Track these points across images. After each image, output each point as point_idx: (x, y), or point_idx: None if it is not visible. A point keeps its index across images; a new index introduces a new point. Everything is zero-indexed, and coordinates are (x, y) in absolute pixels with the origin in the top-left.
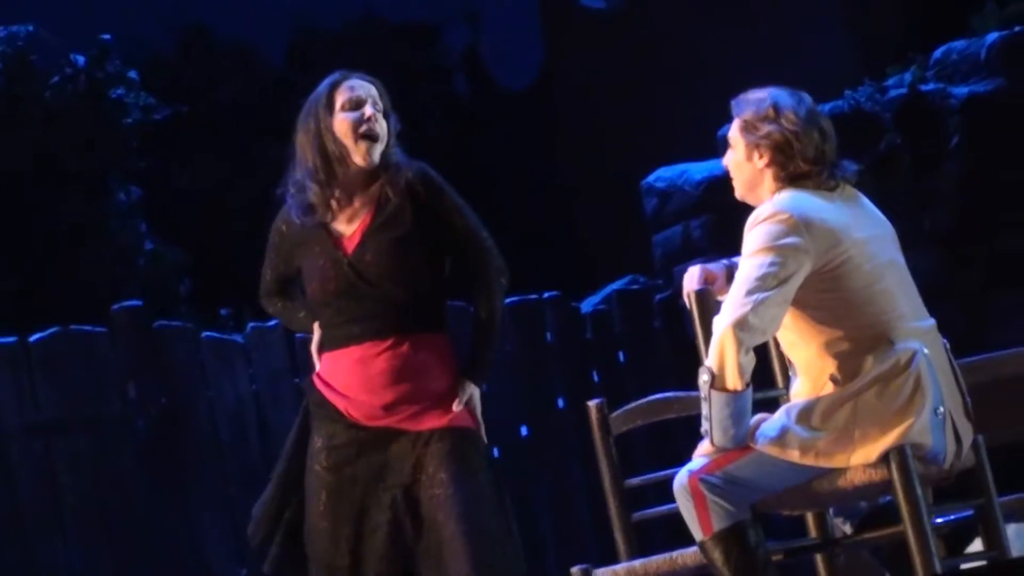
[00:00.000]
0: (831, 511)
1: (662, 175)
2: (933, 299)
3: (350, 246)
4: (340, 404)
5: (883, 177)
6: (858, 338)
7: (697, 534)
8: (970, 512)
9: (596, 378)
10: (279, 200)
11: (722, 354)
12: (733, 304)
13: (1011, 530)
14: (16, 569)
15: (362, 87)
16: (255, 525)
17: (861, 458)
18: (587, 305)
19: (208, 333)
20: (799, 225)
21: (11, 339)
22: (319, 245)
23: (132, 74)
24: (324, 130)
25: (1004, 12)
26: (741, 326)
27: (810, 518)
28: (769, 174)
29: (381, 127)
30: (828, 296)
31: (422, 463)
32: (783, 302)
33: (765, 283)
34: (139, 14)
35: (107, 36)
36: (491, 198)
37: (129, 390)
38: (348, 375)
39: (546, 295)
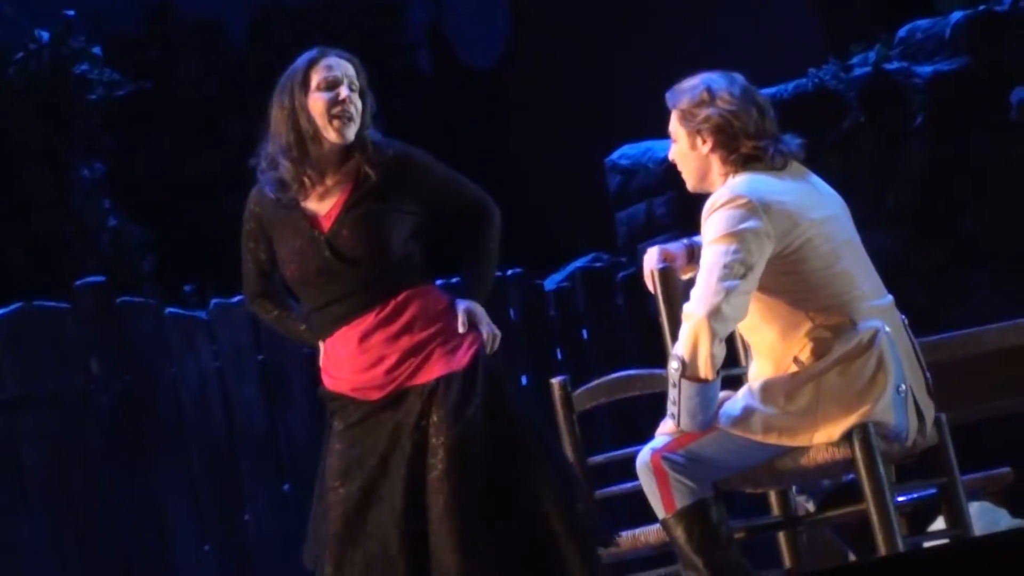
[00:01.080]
0: (794, 489)
1: (626, 152)
2: (896, 277)
3: (326, 224)
4: (348, 389)
5: (847, 155)
6: (819, 319)
7: (659, 511)
8: (933, 490)
9: (559, 355)
10: (251, 171)
11: (695, 344)
12: (705, 294)
13: (973, 508)
14: None
15: (339, 66)
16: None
17: (824, 437)
18: (550, 282)
19: (171, 309)
20: (757, 208)
21: None
22: (294, 226)
23: (96, 50)
24: (299, 108)
25: None
26: (715, 316)
27: (773, 496)
28: (716, 159)
29: (356, 107)
30: (788, 279)
31: (428, 413)
32: (751, 289)
33: (733, 271)
34: None
35: (71, 12)
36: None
37: (92, 366)
38: (349, 359)
39: (509, 272)
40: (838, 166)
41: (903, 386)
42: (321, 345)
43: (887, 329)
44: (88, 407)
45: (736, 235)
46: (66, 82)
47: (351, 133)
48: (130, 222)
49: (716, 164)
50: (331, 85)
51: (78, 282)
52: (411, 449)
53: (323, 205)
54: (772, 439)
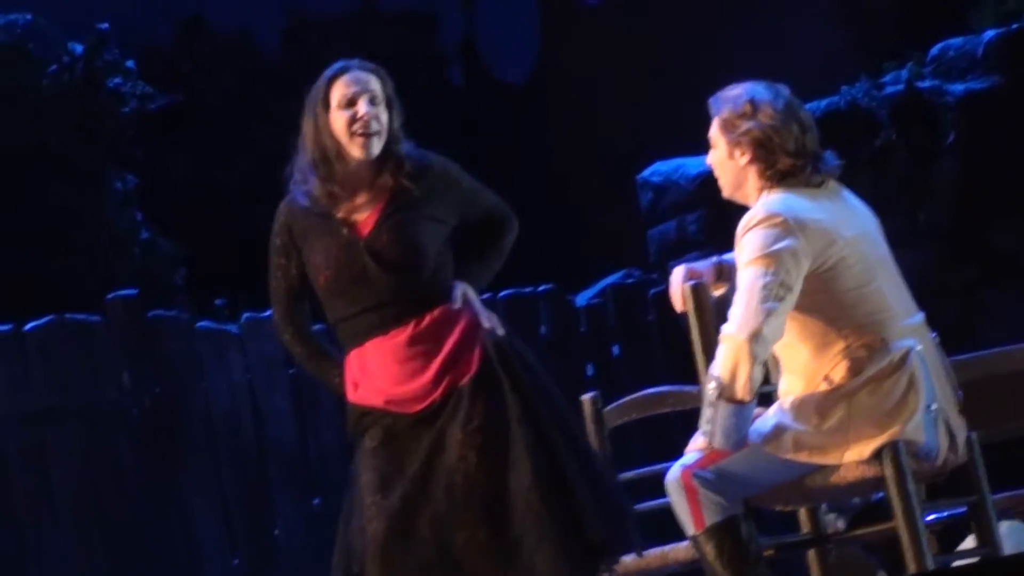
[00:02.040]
0: (824, 507)
1: (657, 169)
2: (928, 295)
3: (365, 229)
4: (381, 401)
5: (879, 173)
6: (852, 338)
7: (689, 528)
8: (963, 509)
9: (590, 372)
10: (284, 181)
11: (735, 366)
12: (745, 316)
13: (1003, 527)
14: (9, 557)
15: (358, 82)
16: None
17: (854, 455)
18: (582, 299)
19: (203, 323)
20: (793, 227)
21: (7, 327)
22: (329, 233)
23: (129, 63)
24: (322, 127)
25: (1002, 9)
26: (756, 339)
27: (803, 513)
28: (753, 171)
29: (378, 121)
30: (821, 297)
31: (469, 416)
32: (789, 310)
33: (773, 293)
34: (136, 3)
35: (104, 25)
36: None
37: (124, 379)
38: (383, 369)
39: (541, 288)
40: (870, 184)
41: (934, 405)
42: (348, 360)
43: (919, 348)
44: (119, 420)
45: (773, 256)
46: (99, 95)
47: (376, 148)
48: (162, 235)
49: (752, 177)
50: (351, 102)
51: (110, 295)
52: (455, 454)
53: (360, 215)
54: (803, 457)
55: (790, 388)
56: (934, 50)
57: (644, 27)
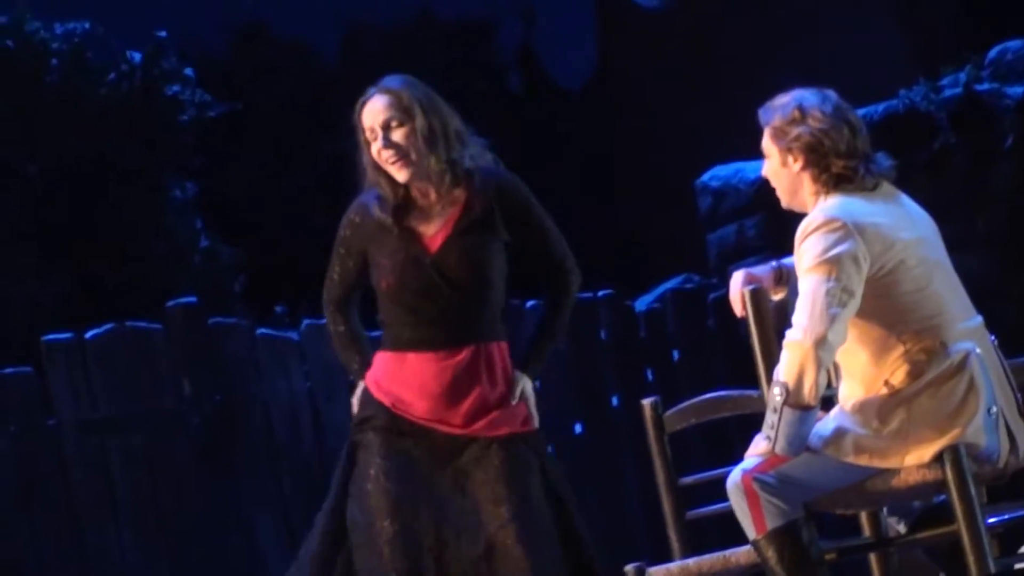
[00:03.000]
0: (885, 510)
1: (716, 174)
2: (987, 299)
3: (433, 245)
4: (389, 401)
5: (937, 177)
6: (911, 342)
7: (750, 532)
8: None
9: (650, 376)
10: (358, 176)
11: (801, 372)
12: (810, 322)
13: None
14: (71, 566)
15: (372, 114)
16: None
17: (915, 459)
18: (641, 304)
19: (263, 330)
20: (852, 231)
21: (67, 335)
22: (398, 240)
23: (187, 71)
24: (366, 153)
25: None
26: (821, 345)
27: (864, 517)
28: (807, 176)
29: (398, 148)
30: (880, 302)
31: (483, 472)
32: (852, 315)
33: (836, 298)
34: (194, 11)
35: (163, 33)
36: (545, 196)
37: (184, 387)
38: (417, 377)
39: (600, 294)
40: (928, 187)
41: (994, 408)
42: (377, 360)
43: (978, 351)
44: (180, 428)
45: (834, 261)
46: (158, 103)
47: (404, 174)
48: (222, 242)
49: (807, 182)
50: (372, 136)
51: (170, 303)
52: (475, 501)
53: (430, 227)
54: (863, 461)
55: (850, 392)
56: (992, 53)
57: (701, 31)
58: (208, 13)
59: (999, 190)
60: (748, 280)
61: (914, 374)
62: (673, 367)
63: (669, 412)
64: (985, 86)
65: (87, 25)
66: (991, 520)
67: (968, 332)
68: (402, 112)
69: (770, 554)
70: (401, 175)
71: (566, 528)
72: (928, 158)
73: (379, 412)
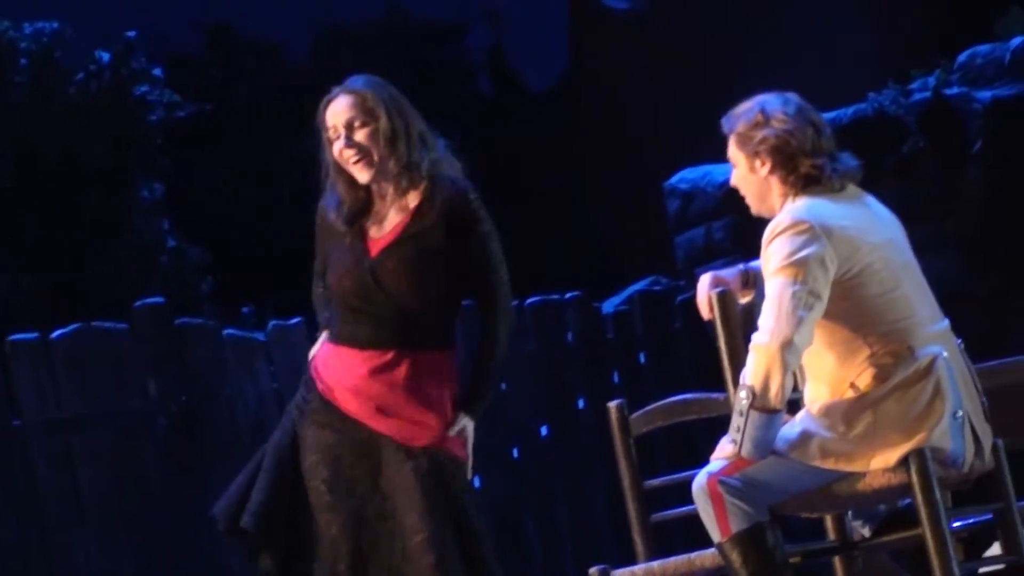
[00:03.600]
0: (850, 514)
1: (685, 176)
2: (956, 302)
3: (375, 249)
4: (323, 388)
5: (906, 180)
6: (877, 345)
7: (715, 535)
8: (989, 516)
9: (617, 379)
10: (321, 183)
11: (767, 376)
12: (776, 325)
13: None
14: (36, 565)
15: (336, 114)
16: (228, 511)
17: (881, 462)
18: (609, 306)
19: (229, 331)
20: (819, 233)
21: (33, 335)
22: (350, 239)
23: (156, 71)
24: (328, 151)
25: None
26: (787, 348)
27: (828, 520)
28: (775, 179)
29: (359, 148)
30: (847, 304)
31: (400, 477)
32: (819, 317)
33: (803, 301)
34: (164, 12)
35: (132, 33)
36: (514, 199)
37: (150, 387)
38: (347, 374)
39: (568, 295)
40: (897, 191)
41: (960, 412)
42: (321, 340)
43: (945, 355)
44: (146, 428)
45: (801, 264)
46: (126, 103)
47: (365, 175)
48: (189, 243)
49: (776, 185)
50: (335, 136)
51: (137, 303)
52: (393, 505)
53: (380, 230)
54: (829, 464)
55: (816, 395)
56: (962, 57)
57: (672, 34)
58: (178, 13)
59: (967, 194)
60: (715, 283)
61: (880, 377)
62: (640, 369)
63: (635, 414)
64: (954, 90)
65: (56, 25)
66: (956, 524)
67: (935, 336)
68: (366, 113)
69: (734, 557)
70: (363, 175)
71: (470, 553)
72: (897, 161)
73: (315, 396)
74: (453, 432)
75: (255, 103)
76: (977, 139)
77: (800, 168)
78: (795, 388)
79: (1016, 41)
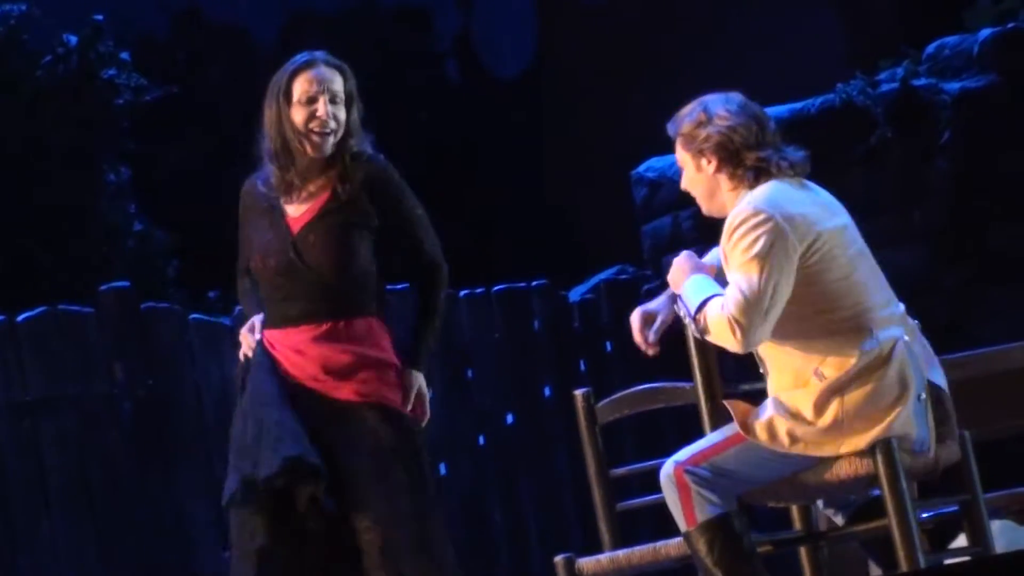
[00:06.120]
0: (821, 504)
1: (652, 165)
2: (922, 294)
3: (296, 226)
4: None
5: (873, 171)
6: (839, 331)
7: (682, 524)
8: (955, 507)
9: (583, 367)
10: (256, 161)
11: (717, 339)
12: (743, 316)
13: (995, 526)
14: (1, 548)
15: (321, 79)
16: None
17: (850, 447)
18: (575, 294)
19: (195, 315)
20: (780, 222)
21: None
22: (269, 219)
23: (124, 55)
24: (284, 118)
25: (997, 8)
26: (751, 339)
27: (795, 511)
28: (723, 177)
29: (336, 120)
30: (808, 290)
31: (347, 433)
32: (782, 308)
33: (768, 293)
34: None
35: (99, 16)
36: (480, 185)
37: (116, 371)
38: (290, 348)
39: (534, 283)
40: (864, 182)
41: (923, 395)
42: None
43: (905, 338)
44: (111, 412)
45: (765, 254)
46: (93, 86)
47: (328, 147)
48: (155, 227)
49: (724, 182)
50: (311, 99)
51: (102, 287)
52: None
53: (299, 208)
54: (798, 450)
55: (780, 385)
56: (930, 48)
57: (640, 24)
58: None
59: (935, 185)
60: (644, 319)
61: (844, 363)
62: (606, 358)
63: (602, 403)
64: (922, 81)
65: (24, 7)
66: (923, 515)
67: (894, 319)
68: (347, 95)
69: (701, 546)
70: (322, 147)
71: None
72: (864, 152)
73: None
74: (410, 397)
75: (222, 86)
76: (945, 130)
77: (746, 162)
78: (761, 378)
79: (984, 33)
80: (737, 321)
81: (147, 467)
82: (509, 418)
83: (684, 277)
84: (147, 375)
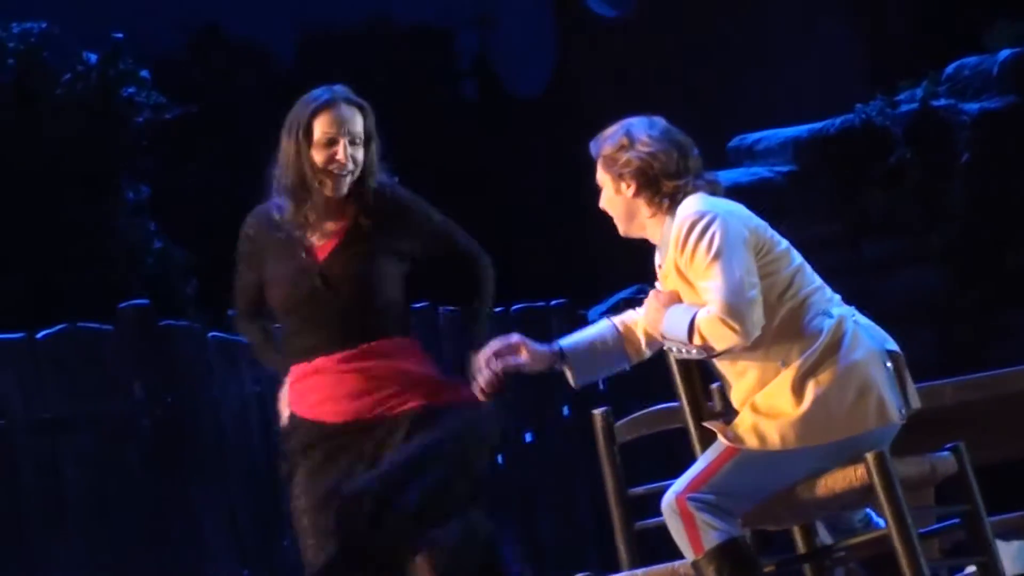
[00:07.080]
0: (823, 531)
1: None
2: (940, 314)
3: (321, 255)
4: (312, 415)
5: (892, 191)
6: (796, 316)
7: (689, 554)
8: (956, 520)
9: (601, 386)
10: (266, 187)
11: (718, 341)
12: (737, 309)
13: (1013, 547)
14: (19, 565)
15: (341, 121)
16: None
17: (844, 430)
18: (594, 313)
19: (214, 333)
20: (722, 214)
21: (19, 335)
22: (289, 252)
23: (143, 73)
24: (303, 156)
25: (1016, 29)
26: (751, 330)
27: (796, 532)
28: (642, 201)
29: (354, 161)
30: (765, 282)
31: (391, 440)
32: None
33: (747, 282)
34: (151, 13)
35: (119, 35)
36: (499, 204)
37: (135, 389)
38: (317, 390)
39: (553, 302)
40: (883, 201)
41: (889, 363)
42: (290, 374)
43: (855, 316)
44: (130, 429)
45: (723, 248)
46: (113, 104)
47: (344, 187)
48: (174, 245)
49: (643, 207)
50: (331, 141)
51: (122, 304)
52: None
53: (320, 241)
54: (790, 444)
55: (748, 388)
56: (949, 69)
57: (660, 43)
58: (165, 15)
59: (953, 205)
60: (508, 349)
61: (807, 344)
62: (625, 377)
63: (620, 422)
64: (942, 102)
65: (44, 25)
66: (927, 529)
67: (835, 299)
68: (367, 133)
69: (710, 573)
70: (340, 188)
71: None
72: (883, 173)
73: (299, 424)
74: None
75: (241, 104)
76: (964, 151)
77: (664, 189)
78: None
79: (1003, 54)
80: (729, 316)
81: (165, 484)
82: (528, 437)
83: (660, 316)
84: (166, 393)
